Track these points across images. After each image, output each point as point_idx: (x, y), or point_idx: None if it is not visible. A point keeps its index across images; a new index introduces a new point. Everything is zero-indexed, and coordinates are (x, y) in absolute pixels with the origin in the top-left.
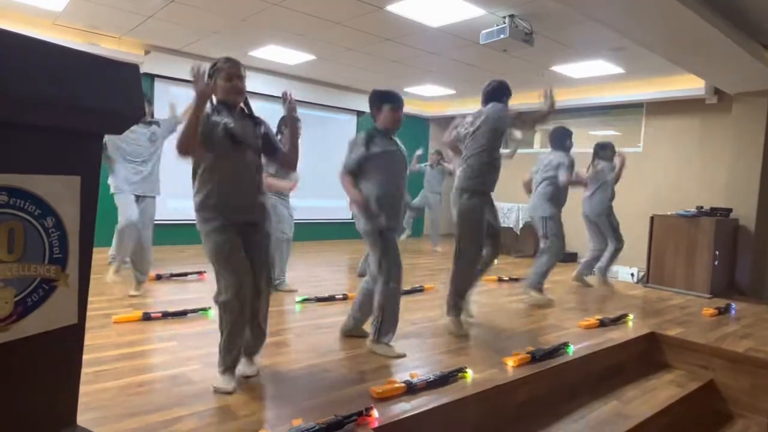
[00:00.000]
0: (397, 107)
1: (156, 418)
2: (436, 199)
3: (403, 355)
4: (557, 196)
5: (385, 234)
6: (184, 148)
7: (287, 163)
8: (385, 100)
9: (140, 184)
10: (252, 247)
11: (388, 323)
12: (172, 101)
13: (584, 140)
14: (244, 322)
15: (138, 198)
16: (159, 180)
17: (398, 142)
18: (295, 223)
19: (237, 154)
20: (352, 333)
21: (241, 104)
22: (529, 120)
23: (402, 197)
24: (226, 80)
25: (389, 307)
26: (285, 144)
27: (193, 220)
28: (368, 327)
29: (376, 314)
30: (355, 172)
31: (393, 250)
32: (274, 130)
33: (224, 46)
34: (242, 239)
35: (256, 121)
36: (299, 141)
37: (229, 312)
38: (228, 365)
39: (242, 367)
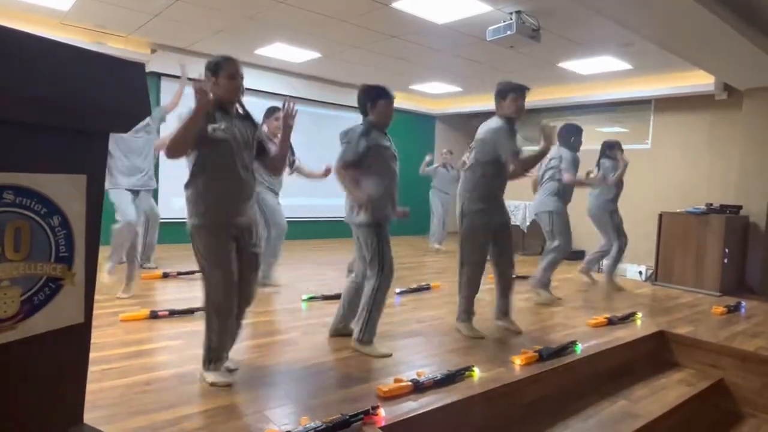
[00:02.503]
0: (391, 102)
1: (163, 416)
2: (447, 199)
3: (389, 354)
4: (562, 192)
5: (384, 227)
6: (175, 152)
7: (275, 168)
8: (381, 95)
9: (139, 178)
10: (244, 251)
11: (375, 322)
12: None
13: (592, 137)
14: (233, 321)
15: (135, 193)
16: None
17: (389, 137)
18: (303, 221)
19: (234, 156)
20: (341, 333)
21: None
22: (528, 161)
23: (396, 191)
24: (230, 78)
25: (378, 306)
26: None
27: None
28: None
29: (365, 313)
30: (354, 166)
31: (388, 245)
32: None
33: (230, 44)
34: (235, 243)
35: (254, 123)
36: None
37: (222, 314)
38: (220, 359)
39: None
